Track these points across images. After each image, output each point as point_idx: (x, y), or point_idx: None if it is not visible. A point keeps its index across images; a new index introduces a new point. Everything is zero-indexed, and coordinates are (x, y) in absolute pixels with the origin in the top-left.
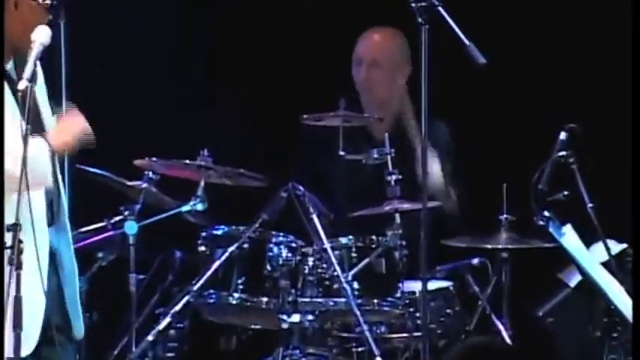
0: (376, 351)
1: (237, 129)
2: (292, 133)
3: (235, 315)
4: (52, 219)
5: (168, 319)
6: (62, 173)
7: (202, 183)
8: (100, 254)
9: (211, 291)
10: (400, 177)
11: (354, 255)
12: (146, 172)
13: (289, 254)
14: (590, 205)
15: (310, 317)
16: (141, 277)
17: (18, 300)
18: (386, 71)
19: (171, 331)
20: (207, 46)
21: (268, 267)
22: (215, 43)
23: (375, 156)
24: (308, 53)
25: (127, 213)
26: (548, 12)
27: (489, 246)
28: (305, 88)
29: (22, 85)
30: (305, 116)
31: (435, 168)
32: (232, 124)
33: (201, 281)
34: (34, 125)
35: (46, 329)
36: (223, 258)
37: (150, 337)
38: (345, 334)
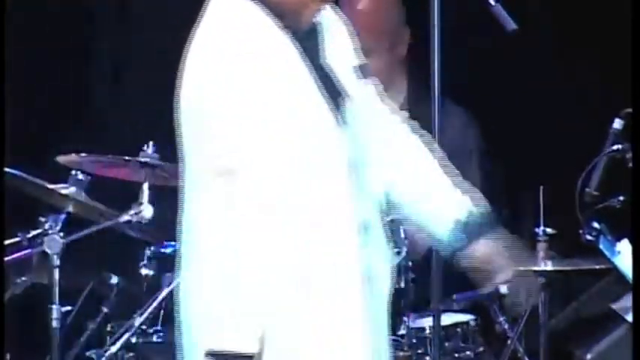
0: None
1: None
2: None
3: None
4: None
5: None
6: None
7: (146, 186)
8: (13, 279)
9: (158, 327)
10: None
11: None
12: (73, 172)
13: None
14: None
15: None
16: (66, 308)
17: None
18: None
19: None
20: None
21: None
22: None
23: None
24: None
25: (47, 226)
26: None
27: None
28: None
29: None
30: None
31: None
32: None
33: (145, 314)
34: None
35: None
36: (174, 284)
37: None
38: None
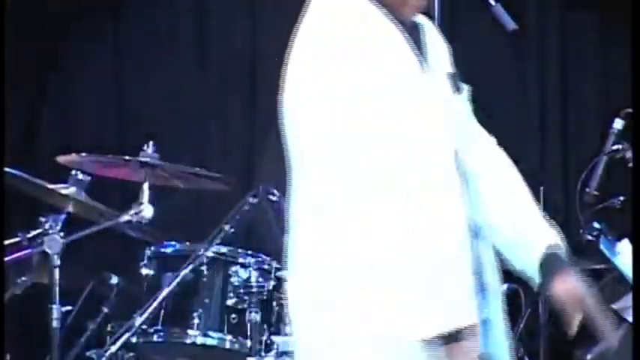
0: None
1: (190, 117)
2: (262, 120)
3: (190, 358)
4: None
5: None
6: None
7: (146, 186)
8: (14, 279)
9: (158, 327)
10: None
11: None
12: (73, 172)
13: (260, 279)
14: None
15: None
16: (66, 308)
17: None
18: None
19: None
20: None
21: (233, 296)
22: None
23: None
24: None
25: (48, 225)
26: None
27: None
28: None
29: None
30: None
31: None
32: (183, 111)
33: (146, 314)
34: None
35: None
36: (174, 284)
37: None
38: None
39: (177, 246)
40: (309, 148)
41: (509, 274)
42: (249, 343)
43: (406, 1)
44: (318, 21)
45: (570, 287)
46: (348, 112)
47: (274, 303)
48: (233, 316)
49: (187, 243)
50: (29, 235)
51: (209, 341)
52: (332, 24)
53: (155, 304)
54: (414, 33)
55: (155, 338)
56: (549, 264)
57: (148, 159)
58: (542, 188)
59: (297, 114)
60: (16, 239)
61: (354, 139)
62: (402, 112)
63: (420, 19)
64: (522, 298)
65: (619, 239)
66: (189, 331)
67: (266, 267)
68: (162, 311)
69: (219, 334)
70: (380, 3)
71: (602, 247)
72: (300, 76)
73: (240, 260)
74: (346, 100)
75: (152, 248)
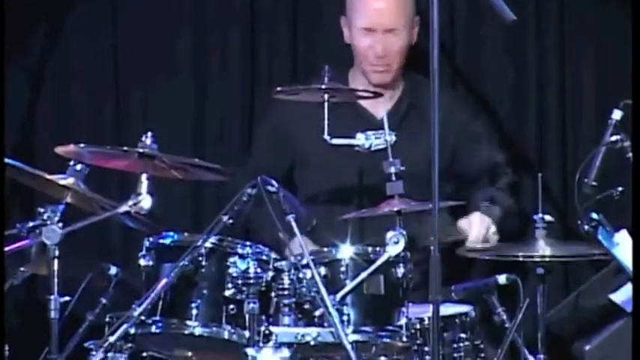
0: None
1: (189, 107)
2: (261, 111)
3: (189, 349)
4: None
5: (100, 355)
6: None
7: (145, 177)
8: (11, 270)
9: (157, 318)
10: (403, 168)
11: (343, 271)
12: (72, 163)
13: (259, 270)
14: None
15: (286, 352)
16: (65, 299)
17: None
18: (403, 36)
19: None
20: None
21: (231, 287)
22: None
23: (371, 141)
24: (279, 12)
25: (46, 216)
26: None
27: (520, 257)
28: (277, 54)
29: None
30: (279, 89)
31: None
32: (183, 101)
33: (144, 305)
34: None
35: None
36: (173, 275)
37: None
38: None
39: (176, 237)
40: None
41: (508, 265)
42: (247, 333)
43: None
44: None
45: None
46: None
47: (272, 294)
48: (231, 306)
49: (186, 234)
50: (28, 226)
51: (207, 332)
52: None
53: (154, 294)
54: None
55: (154, 329)
56: None
57: (146, 150)
58: (540, 179)
59: None
60: (15, 230)
61: None
62: None
63: None
64: (521, 289)
65: (617, 230)
66: (188, 322)
67: (264, 258)
68: (161, 302)
69: (218, 325)
70: None
71: (600, 237)
72: None
73: (239, 251)
74: None
75: (151, 239)
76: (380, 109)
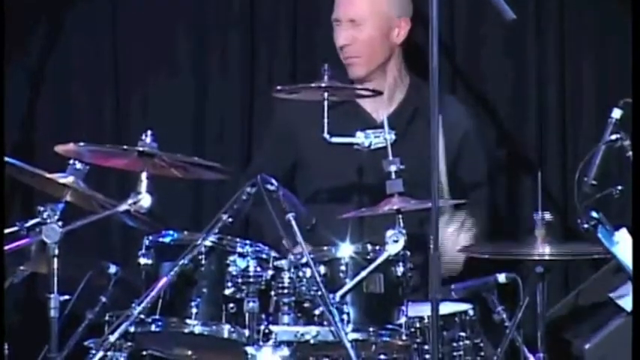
0: None
1: (188, 106)
2: (260, 110)
3: (188, 347)
4: None
5: (100, 354)
6: None
7: (144, 175)
8: (11, 269)
9: (156, 317)
10: (403, 167)
11: (342, 269)
12: (71, 162)
13: (258, 269)
14: None
15: (286, 351)
16: (65, 298)
17: None
18: (370, 31)
19: None
20: None
21: (231, 285)
22: None
23: (371, 140)
24: (279, 12)
25: (46, 215)
26: None
27: (520, 256)
28: (277, 54)
29: None
30: (278, 88)
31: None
32: (183, 100)
33: (144, 304)
34: None
35: None
36: (172, 274)
37: None
38: None
39: (176, 235)
40: None
41: (508, 263)
42: (247, 332)
43: None
44: None
45: None
46: None
47: (272, 292)
48: (231, 305)
49: (185, 232)
50: (27, 225)
51: (207, 331)
52: None
53: (153, 293)
54: None
55: (153, 328)
56: None
57: (146, 148)
58: (540, 178)
59: None
60: (15, 228)
61: None
62: None
63: None
64: (520, 287)
65: (617, 229)
66: (188, 321)
67: (264, 256)
68: (161, 301)
69: (217, 324)
70: None
71: (600, 236)
72: None
73: (239, 249)
74: None
75: (150, 238)
76: (381, 112)
